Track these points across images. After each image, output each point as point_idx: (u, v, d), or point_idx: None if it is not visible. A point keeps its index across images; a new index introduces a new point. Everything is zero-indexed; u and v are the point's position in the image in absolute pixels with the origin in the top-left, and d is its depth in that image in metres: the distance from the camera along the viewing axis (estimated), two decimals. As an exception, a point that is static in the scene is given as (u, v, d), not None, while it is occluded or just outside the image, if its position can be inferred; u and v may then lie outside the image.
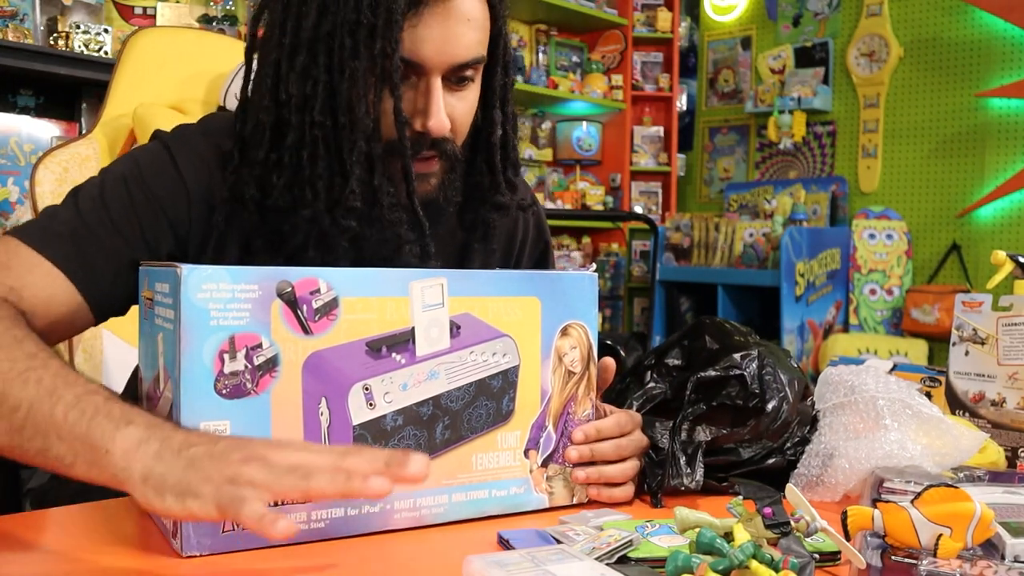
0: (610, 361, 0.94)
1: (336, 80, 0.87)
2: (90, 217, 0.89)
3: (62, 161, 1.36)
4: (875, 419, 0.94)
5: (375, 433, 0.78)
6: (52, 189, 1.34)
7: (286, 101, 0.89)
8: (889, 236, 4.19)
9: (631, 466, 0.91)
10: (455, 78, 0.91)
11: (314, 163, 0.88)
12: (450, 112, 0.91)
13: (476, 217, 1.02)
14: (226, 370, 0.71)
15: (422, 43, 0.87)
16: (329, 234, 0.90)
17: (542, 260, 1.21)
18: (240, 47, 1.62)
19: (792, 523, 0.69)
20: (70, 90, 2.79)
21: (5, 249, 0.86)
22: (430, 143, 0.91)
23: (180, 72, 1.53)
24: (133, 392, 1.06)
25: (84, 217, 0.89)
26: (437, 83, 0.89)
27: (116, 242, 0.88)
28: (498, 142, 0.99)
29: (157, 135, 0.97)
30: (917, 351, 3.93)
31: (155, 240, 0.91)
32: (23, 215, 2.49)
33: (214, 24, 2.92)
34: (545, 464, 0.88)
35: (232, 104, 0.96)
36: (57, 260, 0.86)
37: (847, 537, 0.69)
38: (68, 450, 0.69)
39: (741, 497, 0.71)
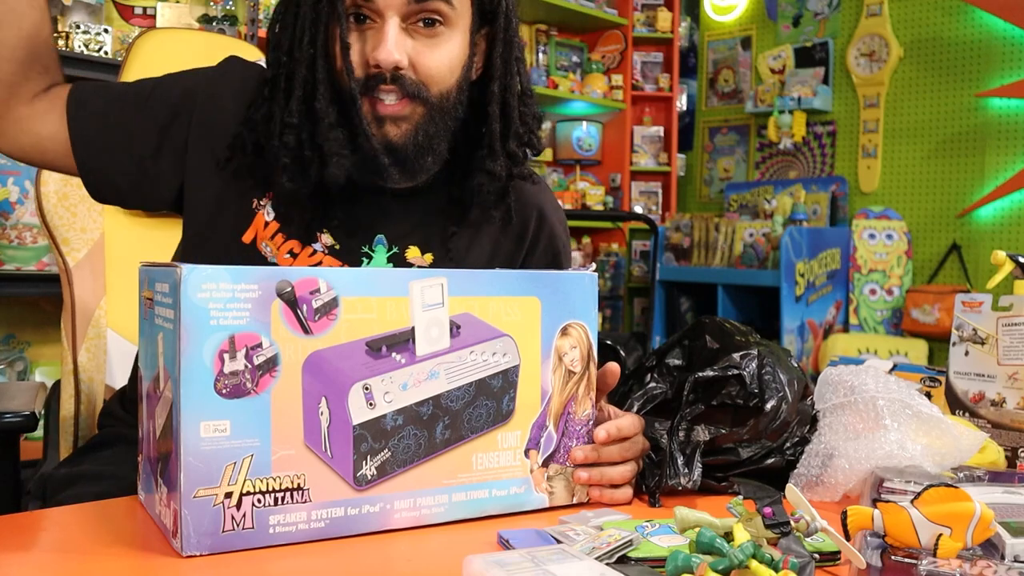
0: (614, 366, 0.94)
1: (298, 22, 0.94)
2: (134, 88, 1.04)
3: (66, 161, 1.36)
4: (875, 419, 0.94)
5: (375, 433, 0.78)
6: (57, 189, 1.35)
7: (274, 51, 0.98)
8: (889, 236, 4.19)
9: (631, 468, 0.92)
10: (419, 21, 0.94)
11: (285, 105, 0.95)
12: (416, 56, 0.95)
13: (465, 182, 1.03)
14: (226, 370, 0.71)
15: None
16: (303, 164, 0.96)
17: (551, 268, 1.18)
18: (244, 47, 1.62)
19: (792, 523, 0.69)
20: (70, 90, 2.79)
21: (59, 93, 1.01)
22: (387, 79, 0.93)
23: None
24: (133, 389, 1.07)
25: (132, 88, 1.04)
26: (391, 20, 0.93)
27: (136, 121, 1.01)
28: (496, 112, 1.01)
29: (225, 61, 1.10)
30: (917, 351, 3.93)
31: (175, 130, 1.01)
32: (23, 215, 2.50)
33: (214, 24, 2.91)
34: (546, 464, 0.88)
35: None
36: (71, 128, 0.99)
37: (847, 537, 0.69)
38: None
39: (741, 497, 0.71)
